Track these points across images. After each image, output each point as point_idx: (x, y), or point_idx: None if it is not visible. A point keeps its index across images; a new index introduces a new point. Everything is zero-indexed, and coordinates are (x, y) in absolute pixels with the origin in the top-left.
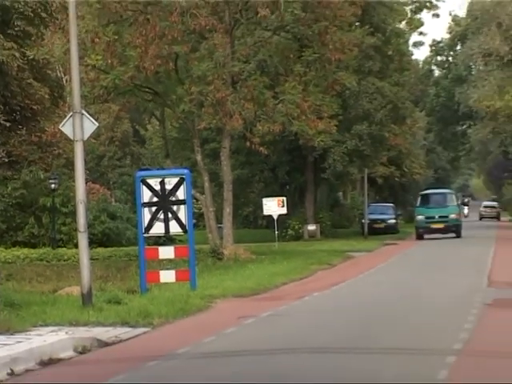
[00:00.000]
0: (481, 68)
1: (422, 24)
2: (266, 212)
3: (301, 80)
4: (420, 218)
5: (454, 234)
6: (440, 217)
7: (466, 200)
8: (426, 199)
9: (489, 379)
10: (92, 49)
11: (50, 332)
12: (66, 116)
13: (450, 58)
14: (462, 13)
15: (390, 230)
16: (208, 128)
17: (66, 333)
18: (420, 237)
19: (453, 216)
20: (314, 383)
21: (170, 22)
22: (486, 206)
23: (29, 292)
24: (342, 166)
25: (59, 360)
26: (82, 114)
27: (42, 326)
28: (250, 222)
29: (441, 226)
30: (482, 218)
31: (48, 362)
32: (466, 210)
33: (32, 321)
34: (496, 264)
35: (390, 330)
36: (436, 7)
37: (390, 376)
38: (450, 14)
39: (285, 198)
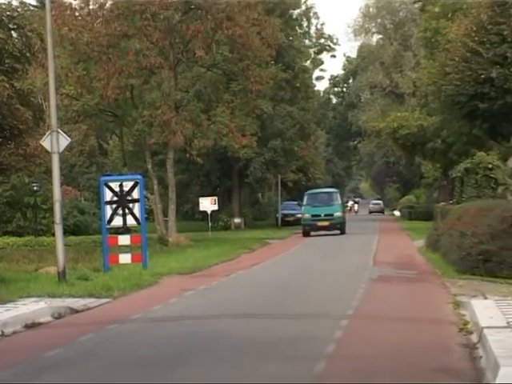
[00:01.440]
0: (367, 97)
1: (322, 63)
2: (201, 208)
3: (228, 106)
4: (306, 216)
5: (338, 231)
6: (325, 215)
7: (356, 199)
8: (312, 198)
9: (373, 336)
10: (66, 81)
11: (32, 302)
12: (45, 134)
13: (344, 89)
14: (353, 54)
15: (298, 222)
16: (156, 143)
17: (45, 303)
18: (306, 234)
19: (337, 214)
20: (238, 340)
21: (126, 60)
22: (373, 203)
23: (16, 271)
24: (260, 172)
25: (40, 324)
26: (58, 132)
27: (26, 297)
28: (189, 216)
29: (326, 223)
30: (370, 212)
31: (31, 326)
32: (356, 206)
33: (19, 293)
34: (380, 248)
35: (298, 300)
36: (333, 49)
37: (298, 334)
38: (344, 55)
39: (216, 198)
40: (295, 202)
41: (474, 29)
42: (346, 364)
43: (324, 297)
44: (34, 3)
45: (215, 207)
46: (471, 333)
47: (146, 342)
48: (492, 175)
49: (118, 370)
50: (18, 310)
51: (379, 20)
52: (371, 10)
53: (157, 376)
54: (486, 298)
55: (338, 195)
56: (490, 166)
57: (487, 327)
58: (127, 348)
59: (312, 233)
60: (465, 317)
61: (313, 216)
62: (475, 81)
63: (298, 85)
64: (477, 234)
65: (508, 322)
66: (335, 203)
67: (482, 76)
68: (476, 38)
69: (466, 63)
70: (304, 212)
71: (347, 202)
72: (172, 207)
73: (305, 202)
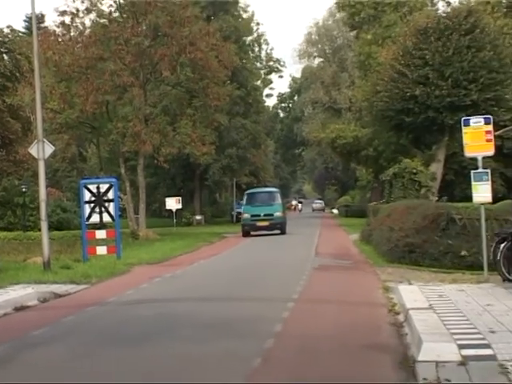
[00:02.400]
0: (310, 111)
1: (271, 82)
2: (167, 207)
3: (191, 119)
4: (246, 216)
5: (278, 231)
6: (265, 215)
7: (301, 199)
8: (251, 198)
9: (315, 317)
10: (50, 97)
11: (21, 288)
12: (32, 143)
13: (290, 105)
14: (298, 74)
15: None
16: (128, 151)
17: (32, 288)
18: (246, 234)
19: (277, 214)
20: (199, 320)
21: (103, 79)
22: (315, 203)
23: (7, 261)
24: (218, 176)
25: (28, 307)
26: (43, 142)
27: (15, 284)
28: (157, 213)
29: (266, 223)
30: (313, 210)
31: (20, 308)
32: (300, 206)
33: (9, 280)
34: (321, 241)
35: (250, 286)
36: (281, 71)
37: (250, 315)
38: (290, 75)
39: (180, 198)
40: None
41: (401, 53)
42: (291, 340)
43: (272, 283)
44: (23, 30)
45: (179, 206)
46: (398, 313)
47: (120, 321)
48: (416, 178)
49: (96, 345)
50: (9, 294)
51: (320, 45)
52: (313, 36)
53: (128, 350)
54: (410, 284)
55: (279, 195)
56: (414, 170)
57: (412, 308)
58: (103, 327)
59: (252, 233)
60: (393, 300)
61: (252, 216)
62: (402, 98)
63: (250, 101)
64: (403, 229)
65: (430, 304)
66: (275, 203)
67: (408, 94)
68: (402, 62)
69: (393, 83)
70: (243, 212)
71: (292, 202)
72: (142, 206)
73: (244, 202)
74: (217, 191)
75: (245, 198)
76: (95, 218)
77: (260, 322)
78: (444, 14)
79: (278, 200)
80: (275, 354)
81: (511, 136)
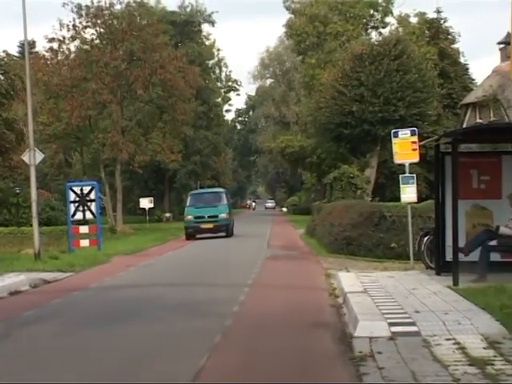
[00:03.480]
0: (263, 124)
1: (230, 99)
2: (141, 205)
3: (161, 131)
4: (189, 217)
5: (224, 234)
6: (209, 216)
7: (255, 200)
8: (195, 199)
9: (267, 299)
10: (40, 112)
11: (15, 275)
12: (25, 151)
13: (246, 119)
14: (253, 93)
15: None
16: (108, 158)
17: (25, 276)
18: (189, 237)
19: (223, 216)
20: (169, 302)
21: (86, 97)
22: (268, 202)
23: (3, 252)
24: (185, 179)
25: (21, 291)
26: (34, 150)
27: (11, 272)
28: (132, 211)
29: (210, 225)
30: (266, 208)
31: (14, 293)
32: (254, 204)
33: (5, 269)
34: (272, 235)
35: (212, 273)
36: (238, 90)
37: (212, 298)
38: (246, 94)
39: (152, 198)
40: None
41: (340, 75)
42: (247, 319)
43: (230, 270)
44: (17, 54)
45: (151, 205)
46: (338, 296)
47: (100, 304)
48: (353, 182)
49: (79, 324)
50: (4, 281)
51: (271, 68)
52: (266, 61)
53: (107, 328)
54: (348, 271)
55: (224, 195)
56: (351, 175)
57: (349, 292)
58: (86, 308)
59: (197, 236)
60: (333, 285)
61: (196, 218)
62: (341, 113)
63: (212, 115)
64: (342, 225)
65: (364, 289)
66: (221, 204)
67: (346, 110)
68: (341, 82)
69: (334, 100)
70: (186, 213)
71: (248, 202)
72: (119, 205)
73: (188, 203)
74: (183, 192)
75: (188, 198)
76: (79, 216)
77: (220, 304)
78: (376, 42)
79: (224, 201)
80: (233, 331)
81: (433, 146)
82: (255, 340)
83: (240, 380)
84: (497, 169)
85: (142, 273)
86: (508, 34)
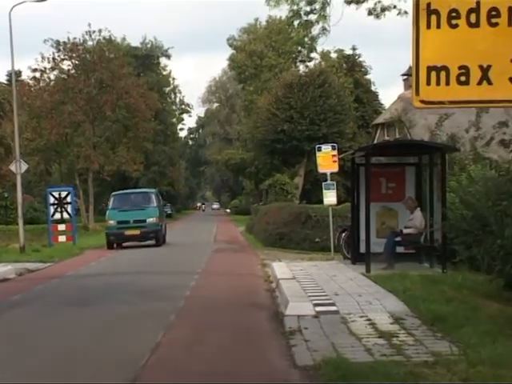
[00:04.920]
0: (211, 140)
1: (183, 119)
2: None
3: (126, 145)
4: (111, 223)
5: (153, 241)
6: (135, 221)
7: (204, 202)
8: (119, 200)
9: (213, 284)
10: (25, 130)
11: (3, 266)
12: (12, 162)
13: (197, 136)
14: (202, 114)
15: (168, 216)
16: (81, 168)
17: (12, 266)
18: (111, 246)
19: (151, 220)
20: (132, 287)
21: (63, 117)
22: (214, 204)
23: None
24: (146, 186)
25: (8, 279)
26: (20, 161)
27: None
28: (102, 212)
29: (136, 232)
30: (212, 209)
31: (2, 280)
32: (203, 206)
33: None
34: (218, 232)
35: (168, 262)
36: (190, 112)
37: (168, 284)
38: (197, 115)
39: None
40: (168, 204)
41: (274, 100)
42: (197, 301)
43: (183, 260)
44: (5, 82)
45: None
46: (272, 282)
47: (76, 289)
48: (284, 188)
49: (58, 306)
50: None
51: (217, 94)
52: (212, 88)
53: (81, 309)
54: (280, 261)
55: (154, 196)
56: (283, 182)
57: (281, 278)
58: (64, 293)
59: (123, 244)
60: (268, 272)
61: (119, 223)
62: (274, 131)
63: (168, 133)
64: (275, 223)
65: (293, 276)
66: (150, 206)
67: (279, 129)
68: (275, 106)
69: (268, 121)
70: (108, 218)
71: (198, 204)
72: (91, 207)
73: (110, 206)
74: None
75: (111, 200)
76: (57, 216)
77: (175, 288)
78: (303, 73)
79: (154, 203)
80: (185, 310)
81: (349, 158)
82: (203, 319)
83: (192, 352)
84: (401, 177)
85: (110, 263)
86: (409, 68)
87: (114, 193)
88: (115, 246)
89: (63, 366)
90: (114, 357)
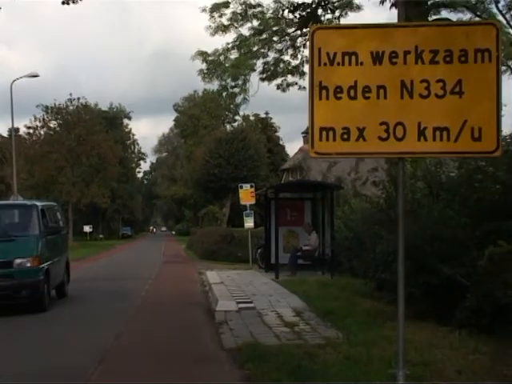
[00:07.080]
0: (160, 180)
1: (140, 165)
2: (85, 230)
3: (97, 184)
4: None
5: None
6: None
7: (155, 226)
8: None
9: (163, 287)
10: (23, 171)
11: None
12: (12, 197)
13: (150, 176)
14: (154, 160)
15: (129, 236)
16: (64, 200)
17: None
18: None
19: (23, 262)
20: (105, 290)
21: (50, 163)
22: (163, 228)
23: None
24: (112, 214)
25: None
26: (17, 196)
27: None
28: (79, 234)
29: None
30: (162, 231)
31: None
32: (154, 230)
33: None
34: (165, 248)
35: (128, 271)
36: (145, 159)
37: (130, 287)
38: (151, 162)
39: (91, 225)
40: (128, 227)
41: (208, 151)
42: (150, 300)
43: (141, 269)
44: (7, 136)
45: (91, 230)
46: (206, 286)
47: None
48: (215, 215)
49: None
50: None
51: (166, 146)
52: (162, 141)
53: (63, 306)
54: (212, 270)
55: (36, 215)
56: (214, 211)
57: (213, 283)
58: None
59: None
60: (203, 279)
61: None
62: (208, 174)
63: (129, 175)
64: (209, 242)
65: (222, 281)
66: (23, 235)
67: (211, 172)
68: (208, 155)
69: (204, 166)
70: None
71: (150, 228)
72: (70, 231)
73: None
74: (111, 222)
75: None
76: None
77: (133, 291)
78: (229, 131)
79: (35, 228)
80: (142, 307)
81: (263, 194)
82: (155, 313)
83: (146, 337)
84: (301, 208)
85: (89, 271)
86: (307, 128)
87: None
88: None
89: (46, 350)
90: (88, 342)
